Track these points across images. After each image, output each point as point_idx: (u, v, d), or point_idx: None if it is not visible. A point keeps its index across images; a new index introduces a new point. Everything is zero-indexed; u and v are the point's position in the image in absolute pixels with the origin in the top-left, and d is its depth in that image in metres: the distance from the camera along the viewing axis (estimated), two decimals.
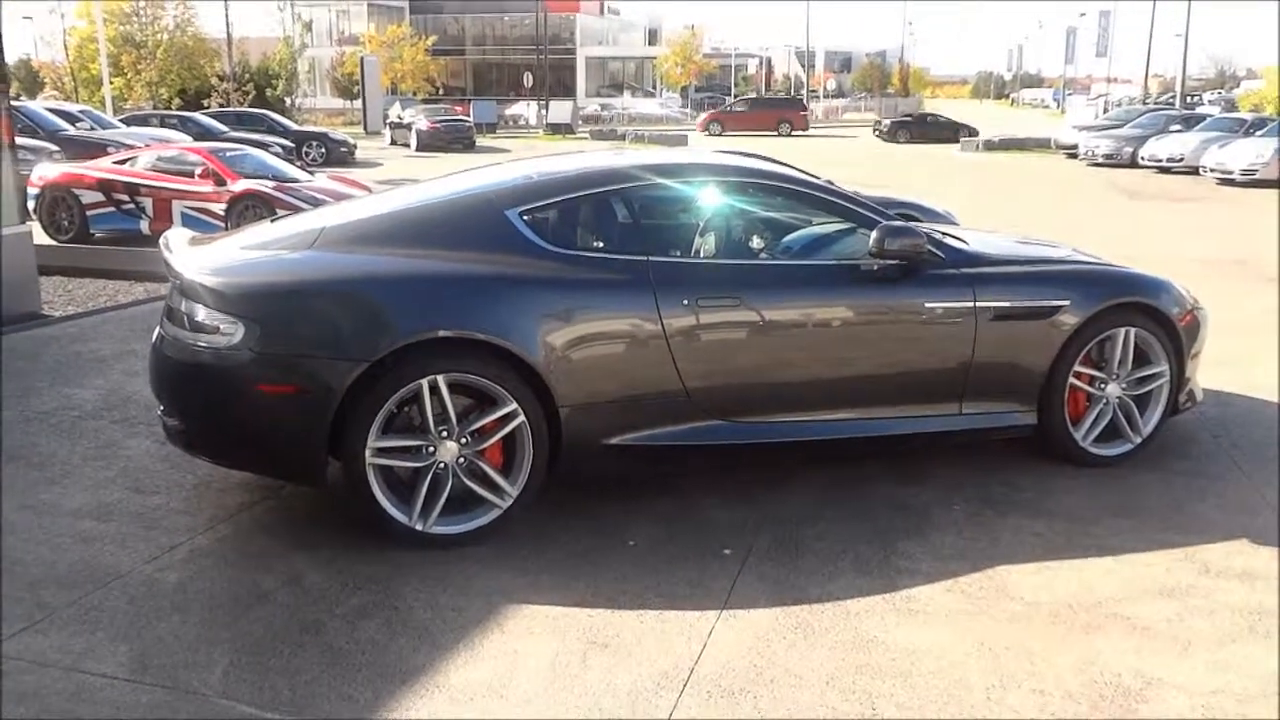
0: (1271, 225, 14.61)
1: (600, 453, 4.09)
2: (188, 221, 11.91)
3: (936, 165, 27.27)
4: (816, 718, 2.91)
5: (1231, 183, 21.19)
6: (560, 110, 45.85)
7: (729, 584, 3.65)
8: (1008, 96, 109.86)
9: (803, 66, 72.33)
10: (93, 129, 21.68)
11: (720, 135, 42.84)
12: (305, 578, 3.65)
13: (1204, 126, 26.03)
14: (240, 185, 12.13)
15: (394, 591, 3.56)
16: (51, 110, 22.59)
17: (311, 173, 14.93)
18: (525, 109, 51.94)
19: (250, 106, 37.11)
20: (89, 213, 12.61)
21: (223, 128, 25.53)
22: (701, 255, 4.82)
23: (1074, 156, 28.85)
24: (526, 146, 33.80)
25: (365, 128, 41.00)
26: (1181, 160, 23.89)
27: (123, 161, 13.26)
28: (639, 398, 4.10)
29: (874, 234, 4.37)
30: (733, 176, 4.84)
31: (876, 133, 42.54)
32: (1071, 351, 4.63)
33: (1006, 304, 4.55)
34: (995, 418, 4.64)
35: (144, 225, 12.37)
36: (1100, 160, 26.83)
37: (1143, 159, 25.28)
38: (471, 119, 38.14)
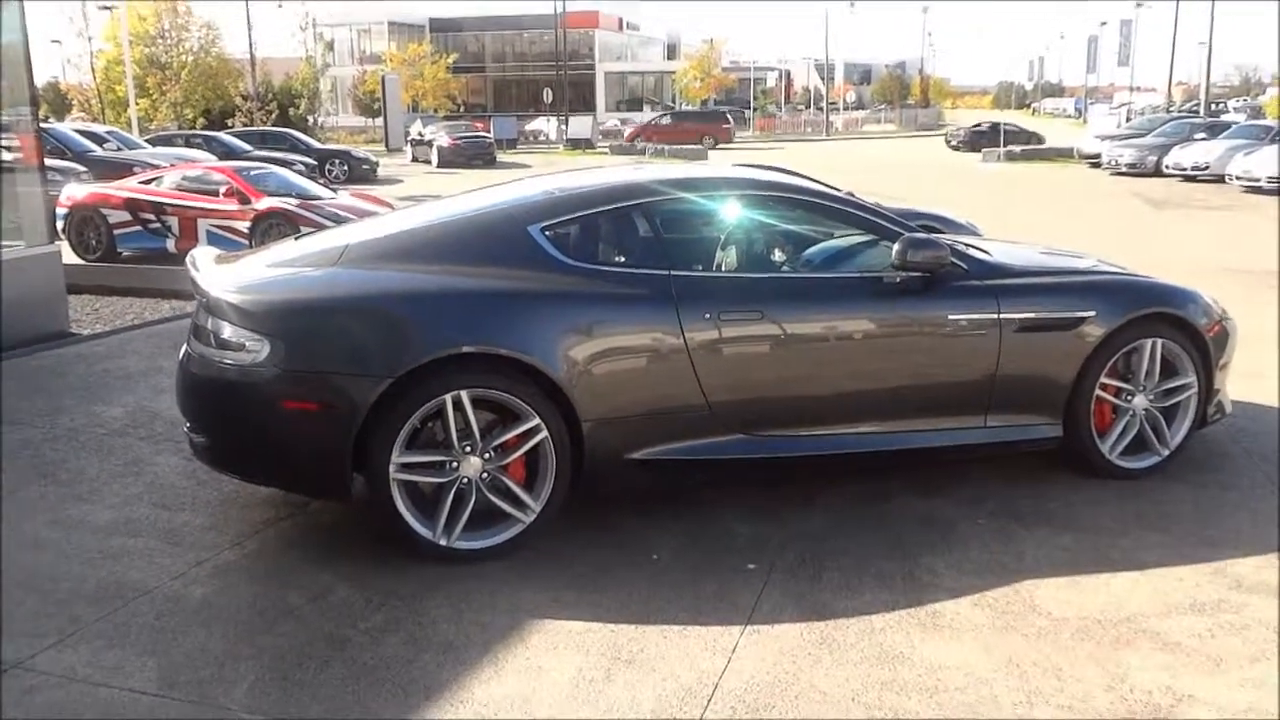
0: None
1: (623, 467, 4.09)
2: (213, 240, 12.02)
3: (956, 176, 27.17)
4: None
5: (1258, 190, 21.01)
6: (580, 125, 46.02)
7: (753, 599, 3.64)
8: (1029, 106, 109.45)
9: (822, 79, 72.30)
10: (119, 150, 21.94)
11: (644, 150, 42.26)
12: (330, 593, 3.67)
13: (1229, 134, 25.84)
14: (264, 203, 12.24)
15: (418, 607, 3.57)
16: (79, 132, 22.86)
17: (334, 190, 15.03)
18: (545, 124, 52.13)
19: (274, 125, 37.41)
20: (116, 232, 12.74)
21: (247, 147, 25.79)
22: (723, 269, 4.82)
23: (1097, 166, 28.71)
24: (547, 162, 33.93)
25: (387, 145, 41.26)
26: (1206, 169, 23.74)
27: (149, 181, 13.40)
28: (661, 412, 4.10)
29: (896, 246, 4.36)
30: (753, 190, 4.83)
31: (951, 145, 41.88)
32: (1097, 363, 4.59)
33: (1031, 315, 4.52)
34: (1020, 430, 4.61)
35: (170, 244, 12.49)
36: (1124, 169, 26.69)
37: (1167, 168, 25.13)
38: (492, 135, 38.32)
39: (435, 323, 3.88)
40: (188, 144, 25.60)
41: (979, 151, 36.05)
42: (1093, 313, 4.58)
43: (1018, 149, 34.34)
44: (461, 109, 63.51)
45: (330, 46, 54.49)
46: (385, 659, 3.24)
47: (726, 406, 4.17)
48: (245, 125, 37.81)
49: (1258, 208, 18.60)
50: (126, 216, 12.72)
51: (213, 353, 3.92)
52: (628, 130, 48.41)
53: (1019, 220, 15.45)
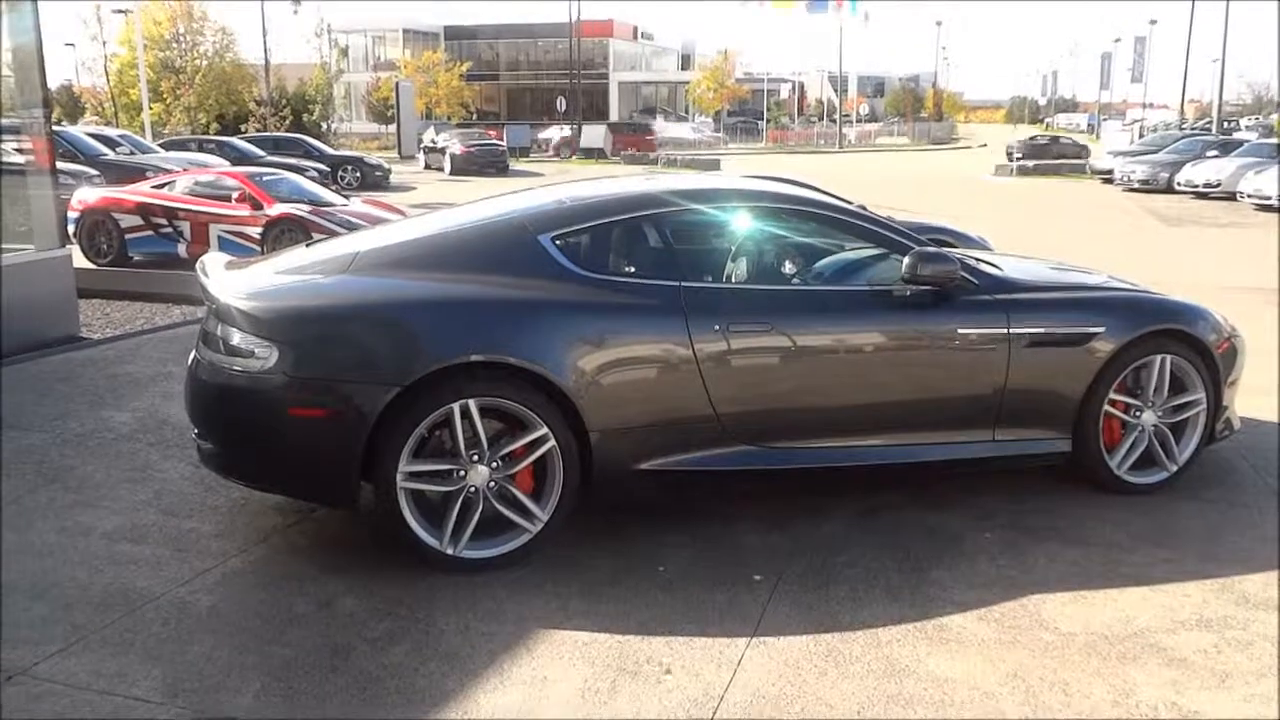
0: None
1: (631, 478, 4.09)
2: (224, 245, 12.07)
3: (969, 190, 27.15)
4: None
5: (1269, 208, 20.97)
6: (593, 134, 46.11)
7: (760, 611, 3.63)
8: (1042, 121, 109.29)
9: (835, 91, 72.34)
10: (132, 154, 22.07)
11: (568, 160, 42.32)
12: (337, 601, 3.67)
13: (1241, 152, 25.82)
14: (276, 209, 12.27)
15: (424, 616, 3.57)
16: (92, 135, 23.02)
17: (347, 197, 15.07)
18: (558, 133, 52.27)
19: (287, 131, 37.60)
20: (127, 236, 12.79)
21: (260, 152, 25.93)
22: (733, 280, 4.83)
23: (1109, 181, 28.67)
24: (559, 171, 34.01)
25: (400, 152, 41.41)
26: (1218, 186, 23.72)
27: (161, 186, 13.45)
28: (670, 423, 4.10)
29: (907, 259, 4.36)
30: (764, 202, 4.84)
31: (1012, 156, 41.53)
32: (1107, 378, 4.58)
33: (1041, 330, 4.52)
34: (1029, 445, 4.60)
35: (181, 249, 12.54)
36: (1136, 185, 26.67)
37: (1179, 184, 25.11)
38: (505, 143, 38.42)
39: (445, 331, 3.89)
40: (201, 149, 25.76)
41: (1035, 160, 35.49)
42: (1102, 328, 4.57)
43: (1031, 164, 34.25)
44: (475, 117, 63.74)
45: (345, 53, 54.71)
46: (391, 668, 3.24)
47: (735, 418, 4.17)
48: (259, 130, 38.02)
49: (1268, 226, 18.55)
50: (138, 221, 12.78)
51: (222, 359, 3.93)
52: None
53: (1030, 235, 15.43)
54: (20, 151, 7.94)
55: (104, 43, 44.68)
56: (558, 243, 4.20)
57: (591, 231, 4.43)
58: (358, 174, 28.37)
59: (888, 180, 29.48)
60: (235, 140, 28.62)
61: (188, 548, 4.10)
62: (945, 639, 3.45)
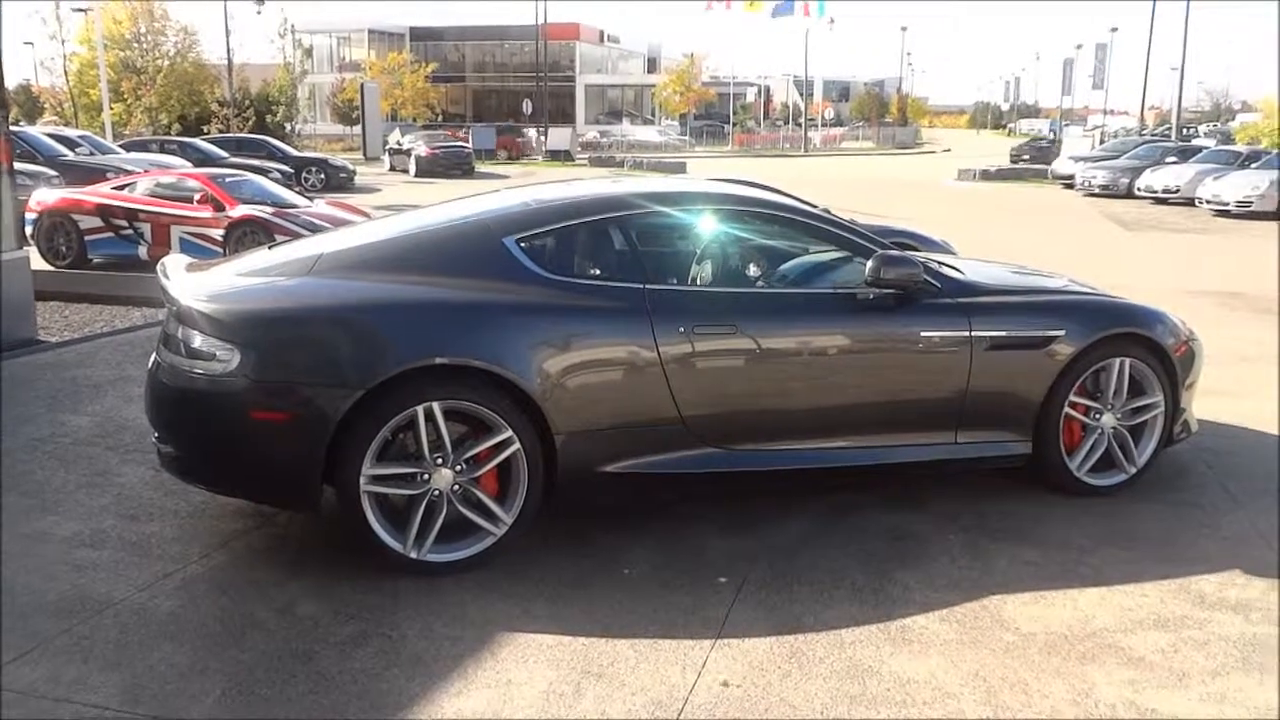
0: (1266, 256, 14.68)
1: (596, 480, 4.09)
2: (186, 247, 11.93)
3: (932, 194, 27.37)
4: None
5: (1227, 214, 21.32)
6: (559, 137, 46.05)
7: (724, 612, 3.64)
8: (1005, 127, 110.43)
9: (801, 95, 72.68)
10: (92, 154, 21.78)
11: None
12: (299, 606, 3.64)
13: (1200, 158, 26.18)
14: (239, 211, 12.15)
15: (388, 620, 3.55)
16: (51, 135, 22.70)
17: (311, 198, 14.95)
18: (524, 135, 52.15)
19: (250, 132, 37.26)
20: (87, 238, 12.61)
21: (222, 153, 25.67)
22: (698, 283, 4.85)
23: (1070, 187, 28.98)
24: (525, 173, 33.94)
25: (365, 154, 41.14)
26: (1177, 191, 24.03)
27: (121, 187, 13.27)
28: (635, 425, 4.10)
29: (870, 263, 4.39)
30: (729, 205, 4.86)
31: (1019, 156, 41.47)
32: (1067, 381, 4.64)
33: (1002, 333, 4.56)
34: (991, 447, 4.65)
35: (142, 251, 12.38)
36: (1096, 191, 26.96)
37: (1139, 190, 25.41)
38: (471, 145, 38.29)
39: (408, 334, 3.87)
40: (162, 150, 25.45)
41: (1047, 164, 35.64)
42: (1062, 332, 4.62)
43: (994, 169, 34.58)
44: (440, 118, 63.45)
45: (309, 53, 54.16)
46: (354, 673, 3.22)
47: (700, 420, 4.18)
48: (221, 131, 37.66)
49: (1226, 231, 18.85)
50: (98, 222, 12.60)
51: (182, 362, 3.89)
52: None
53: (992, 239, 15.57)
54: None
55: (63, 42, 44.02)
56: (522, 245, 4.19)
57: (556, 234, 4.42)
58: (322, 176, 28.15)
59: (852, 184, 29.65)
60: (197, 141, 28.30)
61: (147, 553, 4.05)
62: (908, 640, 3.48)
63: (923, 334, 4.47)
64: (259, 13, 45.16)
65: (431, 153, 33.98)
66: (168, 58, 44.14)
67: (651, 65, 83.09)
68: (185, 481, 4.21)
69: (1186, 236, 17.90)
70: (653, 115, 72.80)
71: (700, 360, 4.17)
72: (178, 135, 34.54)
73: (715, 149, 59.15)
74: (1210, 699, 3.14)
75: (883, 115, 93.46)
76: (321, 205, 13.71)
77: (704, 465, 4.22)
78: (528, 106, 55.35)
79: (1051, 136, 45.30)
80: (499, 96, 74.87)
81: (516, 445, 3.89)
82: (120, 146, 26.16)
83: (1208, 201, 22.09)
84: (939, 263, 5.00)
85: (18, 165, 9.53)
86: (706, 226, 4.83)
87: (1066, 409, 4.68)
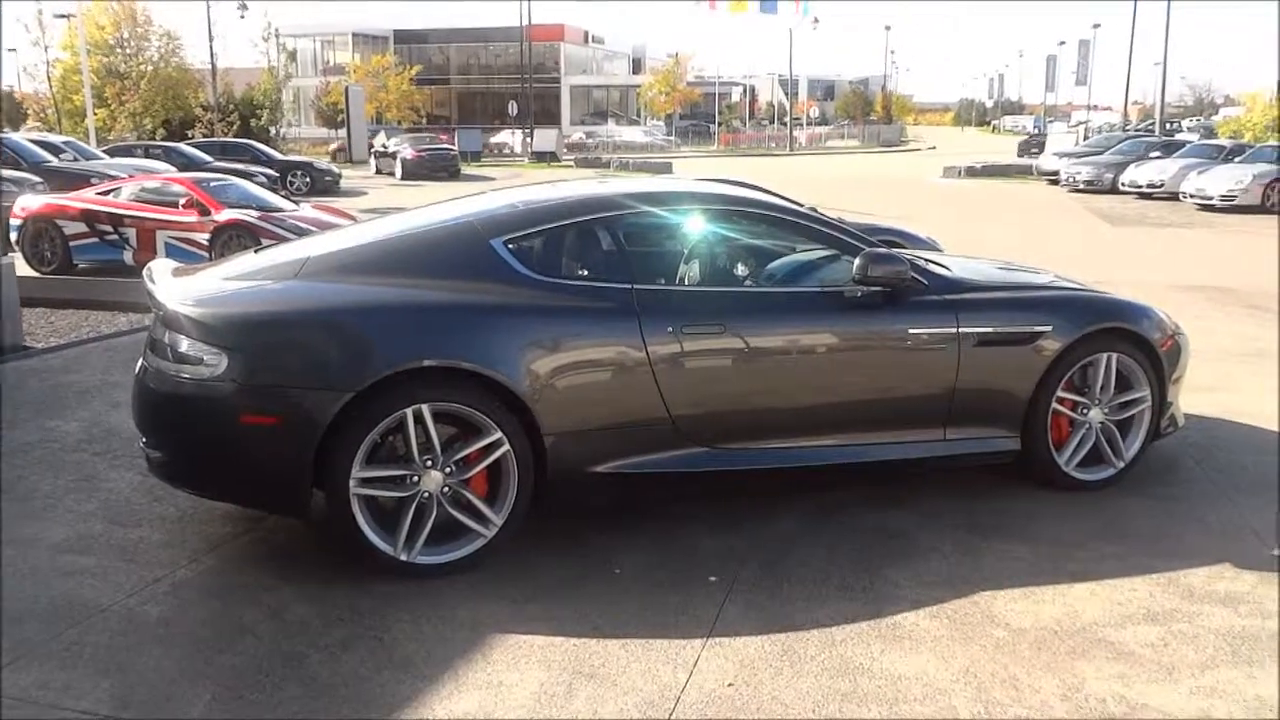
0: (1249, 250, 14.76)
1: (586, 481, 4.09)
2: (172, 252, 11.88)
3: (917, 192, 27.43)
4: None
5: (1211, 208, 21.43)
6: (545, 138, 46.01)
7: (715, 611, 3.64)
8: (989, 123, 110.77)
9: (786, 94, 72.81)
10: (76, 160, 21.64)
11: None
12: (289, 610, 3.63)
13: (1183, 153, 26.28)
14: (224, 215, 12.11)
15: (378, 623, 3.54)
16: (35, 142, 22.55)
17: (296, 202, 14.91)
18: (510, 137, 52.10)
19: (235, 136, 37.10)
20: (72, 244, 12.55)
21: (207, 158, 25.53)
22: (686, 283, 4.85)
23: (1055, 183, 29.07)
24: (512, 174, 33.91)
25: (350, 157, 41.01)
26: (1161, 186, 24.14)
27: (106, 192, 13.22)
28: (624, 425, 4.10)
29: (857, 261, 4.40)
30: (717, 204, 4.87)
31: (1027, 149, 41.79)
32: (1054, 377, 4.66)
33: (990, 330, 4.58)
34: (979, 443, 4.66)
35: (128, 256, 12.33)
36: (1081, 186, 27.05)
37: (1123, 185, 25.51)
38: (456, 147, 38.24)
39: (397, 336, 3.87)
40: (147, 155, 25.31)
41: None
42: (1049, 327, 4.64)
43: (979, 165, 34.67)
44: (426, 121, 63.35)
45: (293, 57, 53.85)
46: (344, 676, 3.22)
47: (689, 420, 4.18)
48: (206, 136, 37.45)
49: (1210, 225, 18.94)
50: (83, 228, 12.55)
51: (169, 366, 3.87)
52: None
53: (979, 236, 15.62)
54: None
55: (46, 48, 43.74)
56: (510, 246, 4.19)
57: (544, 235, 4.42)
58: (307, 179, 28.05)
59: (838, 182, 29.70)
60: (182, 146, 28.14)
61: (136, 558, 4.04)
62: (898, 637, 3.48)
63: (910, 331, 4.48)
64: (242, 16, 44.97)
65: (417, 155, 33.91)
66: (151, 63, 43.86)
67: (636, 66, 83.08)
68: (173, 486, 4.19)
69: (1171, 231, 17.98)
70: (638, 116, 72.82)
71: (689, 360, 4.17)
72: (162, 140, 34.34)
73: (701, 149, 59.18)
74: (1200, 692, 3.16)
75: (868, 113, 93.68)
76: (307, 209, 13.67)
77: (694, 465, 4.23)
78: (513, 108, 55.31)
79: (1036, 132, 46.09)
80: (484, 99, 74.74)
81: (506, 447, 3.88)
82: (104, 152, 25.97)
83: (1192, 196, 22.20)
84: (926, 260, 5.01)
85: (2, 171, 9.48)
86: (694, 226, 4.83)
87: (1054, 404, 4.69)
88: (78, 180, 16.64)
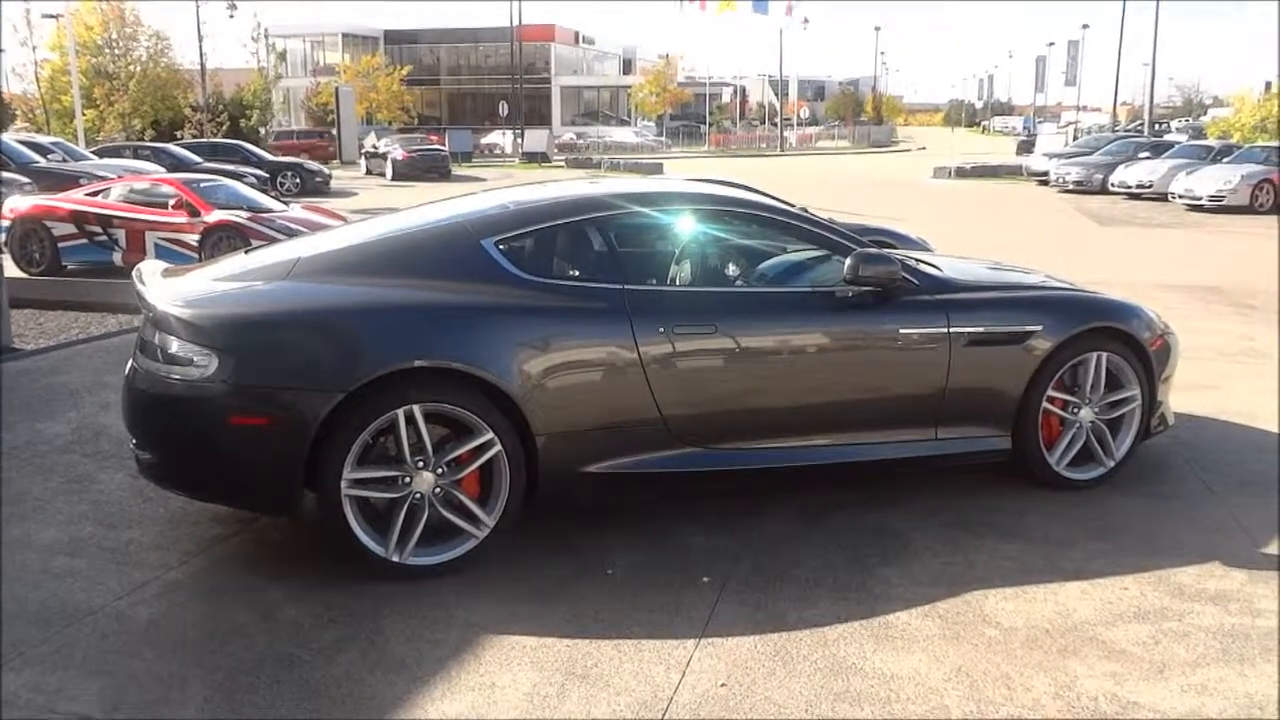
0: (1238, 250, 14.82)
1: (578, 481, 4.09)
2: (161, 253, 11.85)
3: (908, 192, 27.48)
4: None
5: (1200, 208, 21.51)
6: (536, 139, 46.00)
7: (708, 612, 3.64)
8: (979, 124, 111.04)
9: (777, 95, 72.88)
10: (65, 161, 21.56)
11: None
12: (280, 611, 3.62)
13: (1172, 154, 26.39)
14: (214, 216, 12.08)
15: (370, 624, 3.54)
16: (23, 143, 22.47)
17: (286, 203, 14.87)
18: (501, 138, 52.06)
19: (224, 137, 37.02)
20: (61, 245, 12.51)
21: (197, 158, 25.47)
22: (677, 283, 4.85)
23: (1045, 183, 29.16)
24: (503, 175, 33.89)
25: (340, 158, 40.94)
26: (1150, 186, 24.23)
27: (95, 193, 13.18)
28: (616, 426, 4.10)
29: (849, 261, 4.40)
30: (708, 204, 4.87)
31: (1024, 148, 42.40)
32: (1045, 376, 4.67)
33: (980, 330, 4.59)
34: (971, 443, 4.67)
35: (117, 257, 12.29)
36: (1071, 187, 27.14)
37: (1112, 185, 25.60)
38: (447, 148, 38.20)
39: (388, 337, 3.86)
40: (136, 155, 25.23)
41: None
42: (1040, 327, 4.65)
43: (969, 166, 34.75)
44: (416, 121, 63.25)
45: (283, 57, 53.76)
46: (336, 678, 3.21)
47: (681, 420, 4.18)
48: (195, 136, 37.38)
49: (1200, 225, 19.01)
50: (72, 229, 12.50)
51: (159, 368, 3.86)
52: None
53: (969, 236, 15.65)
54: None
55: (34, 48, 43.52)
56: (501, 247, 4.18)
57: (535, 235, 4.42)
58: (297, 180, 28.01)
59: (828, 183, 29.75)
60: (171, 146, 28.07)
61: (127, 560, 4.02)
62: (891, 636, 3.49)
63: (901, 331, 4.49)
64: (231, 16, 44.90)
65: (408, 156, 33.88)
66: (140, 63, 43.70)
67: (627, 66, 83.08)
68: (164, 488, 4.18)
69: (1160, 231, 18.04)
70: (629, 116, 72.80)
71: (681, 360, 4.17)
72: (151, 141, 34.25)
73: (692, 149, 59.26)
74: (1191, 690, 3.17)
75: (858, 114, 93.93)
76: (297, 210, 13.65)
77: (685, 465, 4.23)
78: (504, 109, 55.30)
79: (1026, 134, 46.59)
80: (474, 99, 74.62)
81: (498, 447, 3.88)
82: (93, 153, 25.89)
83: (1181, 196, 22.28)
84: (917, 260, 5.02)
85: None
86: (685, 226, 4.83)
87: (1045, 404, 4.70)
88: (66, 181, 16.58)
